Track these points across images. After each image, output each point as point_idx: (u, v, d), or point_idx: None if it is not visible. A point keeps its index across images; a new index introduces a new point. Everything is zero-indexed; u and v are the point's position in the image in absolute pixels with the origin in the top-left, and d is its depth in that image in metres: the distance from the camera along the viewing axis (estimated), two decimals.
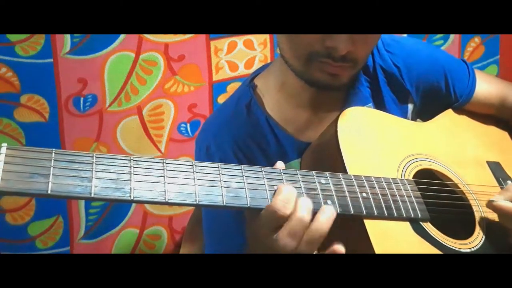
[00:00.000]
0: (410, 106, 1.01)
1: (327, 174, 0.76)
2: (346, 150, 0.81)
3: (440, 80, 1.00)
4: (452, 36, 1.67)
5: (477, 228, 0.86)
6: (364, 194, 0.77)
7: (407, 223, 0.79)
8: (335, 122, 0.85)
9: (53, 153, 0.62)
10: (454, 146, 0.96)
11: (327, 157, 0.85)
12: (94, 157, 0.64)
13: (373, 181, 0.79)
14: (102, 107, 1.37)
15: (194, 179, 0.67)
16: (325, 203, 0.73)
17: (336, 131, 0.83)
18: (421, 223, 0.80)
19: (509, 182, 0.94)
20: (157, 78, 1.41)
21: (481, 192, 0.90)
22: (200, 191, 0.67)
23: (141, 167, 0.66)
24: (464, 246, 0.82)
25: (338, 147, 0.82)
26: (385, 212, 0.77)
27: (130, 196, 0.63)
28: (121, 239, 1.47)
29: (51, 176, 0.60)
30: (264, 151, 0.94)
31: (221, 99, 1.48)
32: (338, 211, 0.73)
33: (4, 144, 0.60)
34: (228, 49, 1.46)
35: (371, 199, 0.77)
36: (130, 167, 0.65)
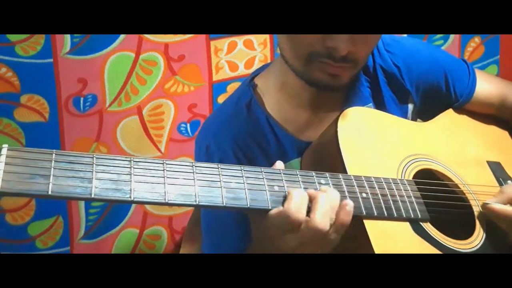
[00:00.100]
0: (410, 106, 1.01)
1: (327, 174, 0.76)
2: (346, 150, 0.81)
3: (440, 80, 1.00)
4: (452, 36, 1.67)
5: (477, 228, 0.86)
6: (364, 195, 0.77)
7: (407, 223, 0.79)
8: (335, 122, 0.85)
9: (54, 154, 0.62)
10: (454, 146, 0.96)
11: (327, 157, 0.86)
12: (94, 158, 0.64)
13: (372, 181, 0.79)
14: (102, 107, 1.37)
15: (194, 179, 0.67)
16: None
17: (336, 131, 0.83)
18: (421, 223, 0.80)
19: (509, 182, 0.94)
20: (157, 78, 1.41)
21: (481, 192, 0.90)
22: (200, 192, 0.67)
23: (141, 168, 0.66)
24: (464, 246, 0.82)
25: (338, 147, 0.82)
26: (385, 213, 0.77)
27: (130, 197, 0.63)
28: (121, 239, 1.48)
29: (51, 177, 0.60)
30: (264, 151, 0.94)
31: (221, 99, 1.48)
32: None
33: (5, 145, 0.61)
34: (228, 49, 1.46)
35: (371, 199, 0.77)
36: (130, 168, 0.65)
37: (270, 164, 0.76)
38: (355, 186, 0.77)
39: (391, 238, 0.77)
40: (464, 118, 1.03)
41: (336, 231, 0.71)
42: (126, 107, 1.40)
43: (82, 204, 1.41)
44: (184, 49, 1.41)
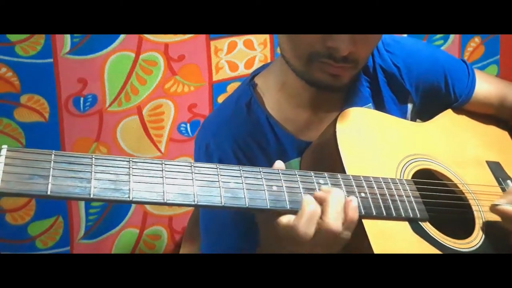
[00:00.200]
0: (410, 106, 1.01)
1: (326, 174, 0.76)
2: (345, 151, 0.82)
3: (440, 80, 1.00)
4: (452, 36, 1.67)
5: (477, 228, 0.86)
6: (363, 194, 0.77)
7: (406, 223, 0.79)
8: (334, 122, 0.85)
9: (53, 155, 0.62)
10: (453, 146, 0.96)
11: (326, 157, 0.86)
12: (93, 158, 0.64)
13: (371, 181, 0.79)
14: (102, 107, 1.37)
15: (192, 179, 0.67)
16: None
17: (335, 132, 0.83)
18: (420, 223, 0.80)
19: (509, 182, 0.94)
20: (157, 78, 1.41)
21: (480, 192, 0.90)
22: (199, 192, 0.67)
23: (140, 168, 0.66)
24: (463, 245, 0.82)
25: (337, 147, 0.82)
26: (384, 212, 0.77)
27: (129, 197, 0.63)
28: (121, 239, 1.48)
29: (50, 177, 0.60)
30: (264, 150, 0.94)
31: (221, 99, 1.48)
32: None
33: (4, 146, 0.61)
34: (228, 49, 1.46)
35: (370, 199, 0.77)
36: (129, 168, 0.65)
37: (270, 163, 0.76)
38: (354, 186, 0.77)
39: (390, 237, 0.77)
40: (464, 118, 1.03)
41: (348, 229, 0.71)
42: (126, 107, 1.40)
43: (82, 204, 1.42)
44: (184, 49, 1.41)
